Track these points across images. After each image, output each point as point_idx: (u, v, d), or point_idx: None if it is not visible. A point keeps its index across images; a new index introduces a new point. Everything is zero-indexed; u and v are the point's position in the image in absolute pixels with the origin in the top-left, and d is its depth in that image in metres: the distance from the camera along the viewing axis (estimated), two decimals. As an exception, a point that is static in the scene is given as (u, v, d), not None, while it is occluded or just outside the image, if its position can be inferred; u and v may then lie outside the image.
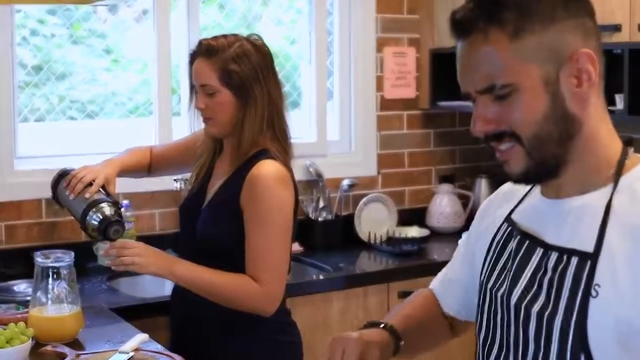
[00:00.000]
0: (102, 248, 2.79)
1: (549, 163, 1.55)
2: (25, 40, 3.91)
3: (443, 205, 4.59)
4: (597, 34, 1.57)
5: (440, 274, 2.03)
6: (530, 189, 1.72)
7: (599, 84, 1.57)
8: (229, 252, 2.76)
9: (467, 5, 1.55)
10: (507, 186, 1.81)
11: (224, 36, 2.83)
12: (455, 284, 1.95)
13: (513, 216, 1.72)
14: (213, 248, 2.79)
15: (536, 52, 1.51)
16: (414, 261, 4.07)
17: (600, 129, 1.57)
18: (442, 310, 1.98)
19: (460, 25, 1.56)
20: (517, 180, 1.60)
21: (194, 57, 2.84)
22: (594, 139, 1.56)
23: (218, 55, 2.76)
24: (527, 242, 1.64)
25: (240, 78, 2.75)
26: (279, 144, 2.83)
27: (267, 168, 2.74)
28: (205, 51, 2.79)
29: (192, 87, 2.89)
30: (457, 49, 1.58)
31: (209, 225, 2.80)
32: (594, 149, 1.56)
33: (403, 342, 1.81)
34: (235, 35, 2.85)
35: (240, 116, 2.78)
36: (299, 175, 4.22)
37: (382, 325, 1.82)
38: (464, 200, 4.65)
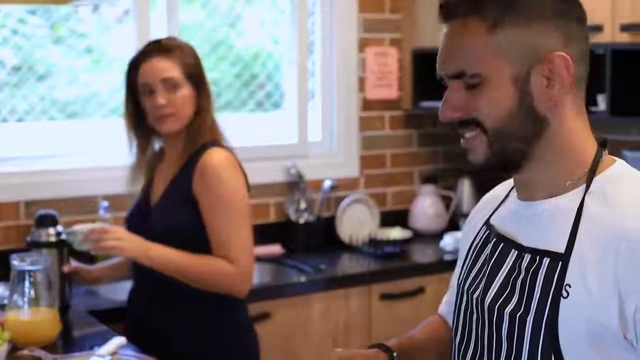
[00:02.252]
0: (81, 232, 2.83)
1: (510, 157, 1.56)
2: (6, 40, 3.87)
3: (426, 207, 4.57)
4: (583, 41, 1.58)
5: (443, 300, 2.03)
6: (509, 192, 1.74)
7: (578, 88, 1.57)
8: (187, 242, 2.82)
9: None
10: (490, 193, 1.83)
11: (170, 38, 3.04)
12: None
13: (491, 220, 1.74)
14: (171, 241, 2.83)
15: (510, 48, 1.52)
16: (396, 263, 4.06)
17: (575, 133, 1.58)
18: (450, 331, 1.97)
19: (444, 10, 1.58)
20: (478, 169, 1.61)
21: (145, 56, 2.92)
22: (567, 141, 1.57)
23: (176, 52, 2.90)
24: (502, 244, 1.65)
25: (197, 72, 2.91)
26: (221, 136, 2.96)
27: (217, 155, 2.86)
28: (163, 49, 2.91)
29: (131, 89, 2.96)
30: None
31: (164, 219, 2.88)
32: (566, 151, 1.57)
33: (396, 354, 1.83)
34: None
35: (197, 109, 2.91)
36: (280, 177, 4.25)
37: (376, 345, 1.86)
38: (447, 201, 4.64)
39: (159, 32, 3.94)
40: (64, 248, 3.10)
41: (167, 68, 2.88)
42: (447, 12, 1.58)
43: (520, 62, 1.52)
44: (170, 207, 2.88)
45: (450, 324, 1.95)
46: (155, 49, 2.91)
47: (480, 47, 1.52)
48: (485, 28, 1.52)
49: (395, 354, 1.83)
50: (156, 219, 2.89)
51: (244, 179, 2.91)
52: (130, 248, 2.79)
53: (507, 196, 1.74)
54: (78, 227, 2.88)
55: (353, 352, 1.82)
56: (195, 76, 2.91)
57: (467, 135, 1.57)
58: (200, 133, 2.90)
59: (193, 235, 2.83)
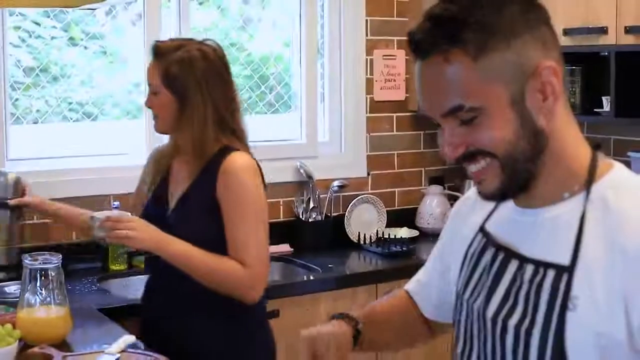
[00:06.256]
0: (98, 220, 2.80)
1: (521, 178, 1.53)
2: (21, 42, 3.93)
3: (433, 206, 4.61)
4: (556, 42, 1.55)
5: (415, 279, 2.02)
6: None
7: (563, 94, 1.54)
8: (207, 247, 2.79)
9: (425, 24, 1.50)
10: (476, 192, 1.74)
11: (175, 40, 2.98)
12: (430, 289, 1.95)
13: (487, 227, 1.70)
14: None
15: (500, 71, 1.47)
16: (403, 262, 4.09)
17: (567, 139, 1.55)
18: (418, 311, 1.98)
19: (420, 45, 1.50)
20: (491, 197, 1.58)
21: (150, 56, 2.94)
22: (561, 150, 1.54)
23: (163, 57, 2.86)
24: (502, 254, 1.62)
25: (180, 82, 2.84)
26: (239, 143, 2.91)
27: (240, 160, 2.83)
28: (153, 52, 2.90)
29: None
30: (416, 69, 1.54)
31: (185, 226, 2.84)
32: (561, 160, 1.54)
33: (361, 325, 1.85)
34: (189, 39, 2.97)
35: (181, 117, 2.86)
36: (289, 176, 4.29)
37: (339, 316, 1.87)
38: (454, 201, 4.65)
39: (169, 35, 3.99)
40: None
41: (152, 73, 2.90)
42: (423, 49, 1.50)
43: (512, 83, 1.47)
44: (191, 212, 2.86)
45: (416, 301, 1.98)
46: (152, 51, 2.92)
47: (471, 78, 1.46)
48: (470, 58, 1.46)
49: (360, 325, 1.84)
50: (176, 228, 2.82)
51: (263, 185, 2.90)
52: (143, 239, 2.75)
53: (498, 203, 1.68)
54: (97, 214, 2.84)
55: (319, 330, 1.81)
56: (176, 86, 2.85)
57: (475, 167, 1.53)
58: (194, 144, 2.86)
59: (213, 240, 2.80)
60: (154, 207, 2.96)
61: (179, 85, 2.84)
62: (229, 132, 2.90)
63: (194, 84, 2.84)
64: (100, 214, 2.83)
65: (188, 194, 2.89)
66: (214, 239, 2.81)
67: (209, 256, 2.78)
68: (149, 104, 2.94)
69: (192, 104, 2.84)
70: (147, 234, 2.76)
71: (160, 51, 2.88)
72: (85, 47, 4.09)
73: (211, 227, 2.82)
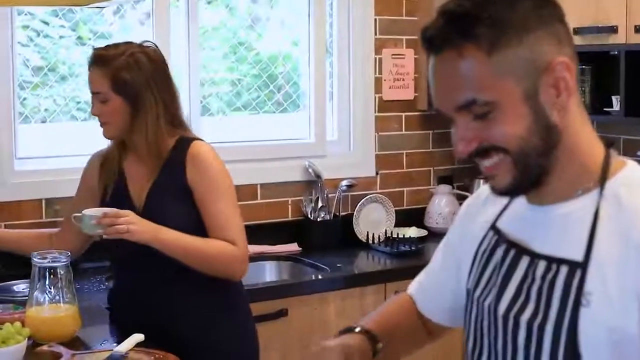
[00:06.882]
0: (92, 217, 2.79)
1: (534, 174, 1.53)
2: (32, 41, 3.94)
3: (441, 206, 4.61)
4: (570, 39, 1.56)
5: (417, 281, 2.01)
6: None
7: (577, 90, 1.54)
8: (187, 234, 2.82)
9: (439, 20, 1.51)
10: (487, 191, 1.74)
11: (116, 45, 2.95)
12: (437, 290, 1.92)
13: (498, 224, 1.70)
14: None
15: (513, 66, 1.48)
16: (412, 261, 4.07)
17: (580, 135, 1.55)
18: (419, 315, 1.96)
19: (433, 41, 1.52)
20: (504, 193, 1.58)
21: (89, 65, 2.93)
22: (575, 146, 1.54)
23: (109, 64, 2.87)
24: (513, 250, 1.62)
25: (131, 86, 2.86)
26: (192, 134, 2.99)
27: (204, 147, 2.93)
28: (97, 60, 2.90)
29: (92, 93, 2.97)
30: (429, 65, 1.55)
31: (164, 218, 2.83)
32: (575, 156, 1.54)
33: (381, 344, 1.80)
34: (128, 43, 2.97)
35: (133, 121, 2.89)
36: (298, 176, 4.30)
37: (357, 330, 1.82)
38: (462, 201, 4.63)
39: (178, 35, 4.00)
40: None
41: (98, 81, 2.89)
42: (436, 44, 1.52)
43: (525, 78, 1.48)
44: (166, 204, 2.88)
45: (421, 309, 1.95)
46: (94, 59, 2.91)
47: (484, 72, 1.47)
48: (484, 53, 1.47)
49: (380, 345, 1.80)
50: (154, 218, 2.82)
51: None
52: (142, 231, 2.75)
53: (512, 198, 1.69)
54: (88, 211, 2.82)
55: (345, 342, 1.76)
56: (127, 90, 2.87)
57: (488, 162, 1.53)
58: (149, 145, 2.90)
59: (194, 226, 2.84)
60: (119, 206, 2.89)
61: (130, 90, 2.87)
62: (180, 126, 2.97)
63: (144, 86, 2.87)
64: (92, 212, 2.81)
65: (157, 188, 2.91)
66: (194, 224, 2.85)
67: (200, 240, 2.83)
68: (96, 112, 2.93)
69: (144, 106, 2.87)
70: (144, 227, 2.77)
71: (104, 58, 2.89)
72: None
73: (190, 213, 2.87)
